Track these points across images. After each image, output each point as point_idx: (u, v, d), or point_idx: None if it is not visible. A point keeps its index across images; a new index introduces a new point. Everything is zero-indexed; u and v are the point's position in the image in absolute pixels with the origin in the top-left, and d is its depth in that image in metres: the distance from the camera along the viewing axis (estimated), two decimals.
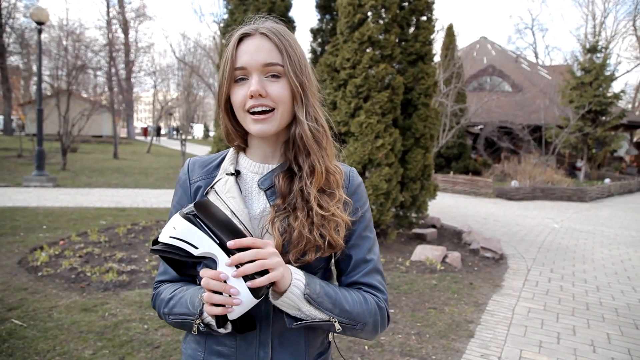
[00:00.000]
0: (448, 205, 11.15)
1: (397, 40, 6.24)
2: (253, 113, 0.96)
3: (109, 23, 24.62)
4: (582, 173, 17.57)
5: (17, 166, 14.25)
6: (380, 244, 6.16)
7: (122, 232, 6.28)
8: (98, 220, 7.09)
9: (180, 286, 1.05)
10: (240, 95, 0.97)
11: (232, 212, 0.98)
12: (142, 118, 53.47)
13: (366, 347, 3.36)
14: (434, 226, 7.87)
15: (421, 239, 7.05)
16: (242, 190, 1.03)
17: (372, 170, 5.99)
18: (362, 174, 5.96)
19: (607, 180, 17.22)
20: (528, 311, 4.31)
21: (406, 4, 6.47)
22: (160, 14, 73.18)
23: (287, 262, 0.97)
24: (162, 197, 10.04)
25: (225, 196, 1.00)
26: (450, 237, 7.46)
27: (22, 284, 4.20)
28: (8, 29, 26.27)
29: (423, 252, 5.90)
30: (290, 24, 6.67)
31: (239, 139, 1.07)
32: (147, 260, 5.12)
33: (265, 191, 1.02)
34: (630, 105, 32.48)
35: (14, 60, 28.32)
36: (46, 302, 3.82)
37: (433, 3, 6.64)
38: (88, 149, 22.16)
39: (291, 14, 6.77)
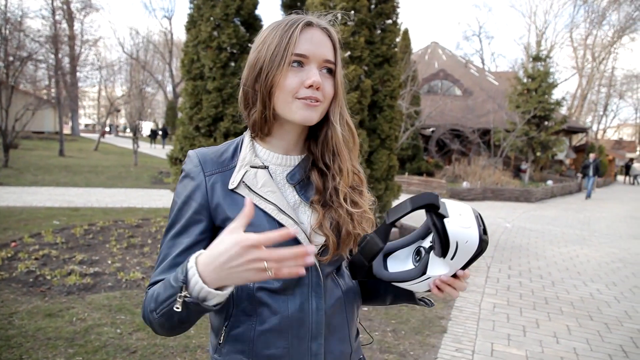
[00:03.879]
0: None
1: (364, 43, 6.32)
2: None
3: (53, 13, 23.28)
4: (527, 175, 18.54)
5: None
6: None
7: (79, 232, 5.97)
8: (51, 220, 6.71)
9: None
10: (294, 80, 0.92)
11: (277, 207, 0.94)
12: (89, 114, 50.99)
13: None
14: (394, 226, 8.04)
15: None
16: None
17: None
18: None
19: (549, 182, 18.27)
20: (493, 306, 4.51)
21: (373, 6, 6.57)
22: (108, 6, 70.02)
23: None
24: (117, 197, 9.63)
25: (261, 191, 0.95)
26: None
27: None
28: None
29: None
30: (257, 22, 6.60)
31: (271, 126, 0.99)
32: (109, 262, 4.90)
33: (294, 185, 1.00)
34: (568, 112, 34.59)
35: None
36: (4, 309, 3.57)
37: (398, 7, 6.80)
38: (30, 146, 20.88)
39: (258, 11, 6.69)
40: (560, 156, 23.14)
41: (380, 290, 1.13)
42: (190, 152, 1.01)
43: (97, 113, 42.42)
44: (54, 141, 22.84)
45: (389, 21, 6.65)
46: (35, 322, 3.35)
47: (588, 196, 17.20)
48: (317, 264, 0.97)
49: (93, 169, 14.64)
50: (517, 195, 14.89)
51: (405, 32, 17.77)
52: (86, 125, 53.55)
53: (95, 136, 28.68)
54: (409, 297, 1.08)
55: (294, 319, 0.95)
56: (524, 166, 19.55)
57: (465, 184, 15.27)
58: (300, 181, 1.00)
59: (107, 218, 7.11)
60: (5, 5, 17.91)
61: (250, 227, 0.91)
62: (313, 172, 1.01)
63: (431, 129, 21.55)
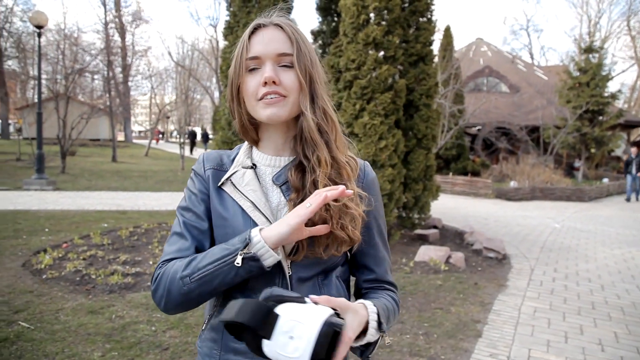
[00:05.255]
0: (448, 206, 11.16)
1: (398, 42, 6.25)
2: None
3: (106, 26, 24.54)
4: (580, 173, 17.63)
5: (16, 170, 14.20)
6: None
7: (125, 234, 6.26)
8: (100, 223, 7.07)
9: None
10: (252, 83, 0.97)
11: (254, 204, 0.98)
12: (140, 121, 53.28)
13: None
14: (435, 227, 7.87)
15: (423, 239, 7.05)
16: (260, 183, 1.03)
17: (375, 171, 5.99)
18: None
19: (605, 180, 17.29)
20: (534, 310, 4.32)
21: (407, 5, 6.49)
22: (157, 17, 73.02)
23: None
24: (163, 200, 10.01)
25: (244, 189, 1.00)
26: (452, 237, 7.47)
27: (27, 287, 4.18)
28: (5, 34, 26.22)
29: (427, 253, 5.90)
30: None
31: (253, 132, 1.05)
32: (150, 262, 5.10)
33: (280, 186, 1.02)
34: (626, 105, 32.64)
35: (10, 64, 28.29)
36: (52, 305, 3.80)
37: (432, 4, 6.68)
38: (86, 153, 22.09)
39: (292, 16, 6.78)
40: (618, 152, 21.85)
41: None
42: (201, 154, 1.11)
43: (148, 120, 44.25)
44: (108, 148, 24.01)
45: (423, 19, 6.54)
46: (79, 319, 3.54)
47: (628, 199, 14.51)
48: (287, 266, 0.96)
49: (143, 174, 15.28)
50: (568, 194, 14.20)
51: (447, 29, 17.43)
52: (139, 132, 55.91)
53: (147, 142, 29.91)
54: None
55: None
56: (577, 164, 18.61)
57: (512, 184, 14.73)
58: (286, 182, 1.02)
59: (152, 221, 7.40)
60: (64, 23, 19.08)
61: (224, 220, 0.99)
62: (292, 170, 1.00)
63: (477, 128, 20.95)
